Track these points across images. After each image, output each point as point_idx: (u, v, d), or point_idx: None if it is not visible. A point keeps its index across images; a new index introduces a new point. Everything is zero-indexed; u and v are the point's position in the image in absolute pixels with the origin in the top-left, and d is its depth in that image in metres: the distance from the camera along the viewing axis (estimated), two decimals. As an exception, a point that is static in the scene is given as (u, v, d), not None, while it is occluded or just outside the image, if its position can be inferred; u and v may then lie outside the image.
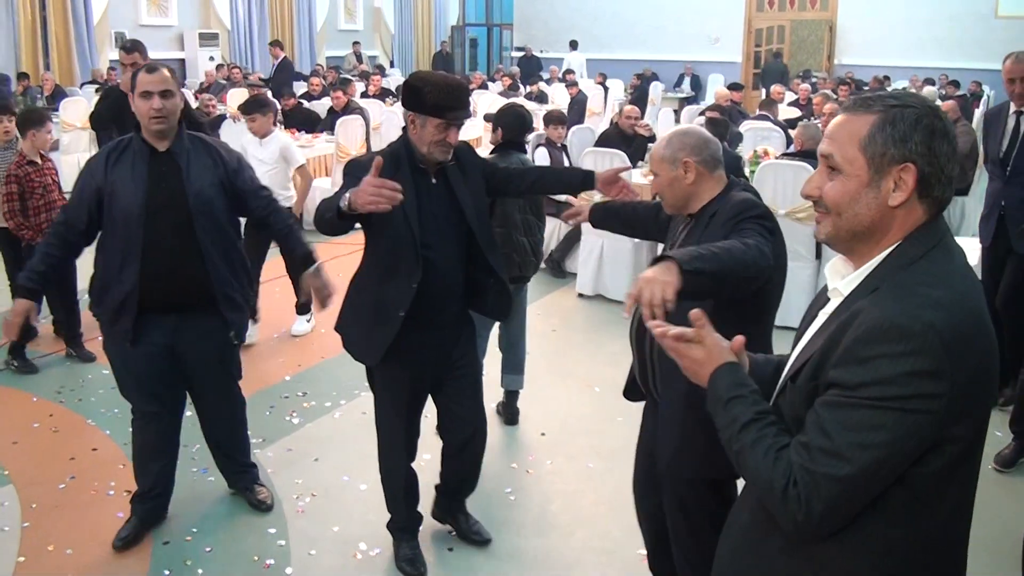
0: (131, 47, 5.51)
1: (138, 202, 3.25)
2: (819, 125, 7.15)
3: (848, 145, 1.56)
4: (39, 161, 5.48)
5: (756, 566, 1.69)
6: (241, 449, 3.98)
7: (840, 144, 1.57)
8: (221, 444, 3.93)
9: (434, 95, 3.00)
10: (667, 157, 2.69)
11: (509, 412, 4.83)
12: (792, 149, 7.10)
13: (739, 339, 1.75)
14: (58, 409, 4.89)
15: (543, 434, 4.70)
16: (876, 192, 1.54)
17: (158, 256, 3.28)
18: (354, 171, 3.06)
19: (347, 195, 2.82)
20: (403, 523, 3.54)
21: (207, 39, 16.66)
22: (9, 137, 5.64)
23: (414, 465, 3.50)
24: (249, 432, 4.50)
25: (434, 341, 3.28)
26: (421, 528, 3.60)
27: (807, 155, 6.38)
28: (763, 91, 15.48)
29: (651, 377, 2.73)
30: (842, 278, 1.62)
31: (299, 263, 3.58)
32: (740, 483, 1.93)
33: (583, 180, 3.39)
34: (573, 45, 20.89)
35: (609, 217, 3.24)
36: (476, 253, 3.25)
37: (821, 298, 1.73)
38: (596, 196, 3.78)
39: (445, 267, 3.16)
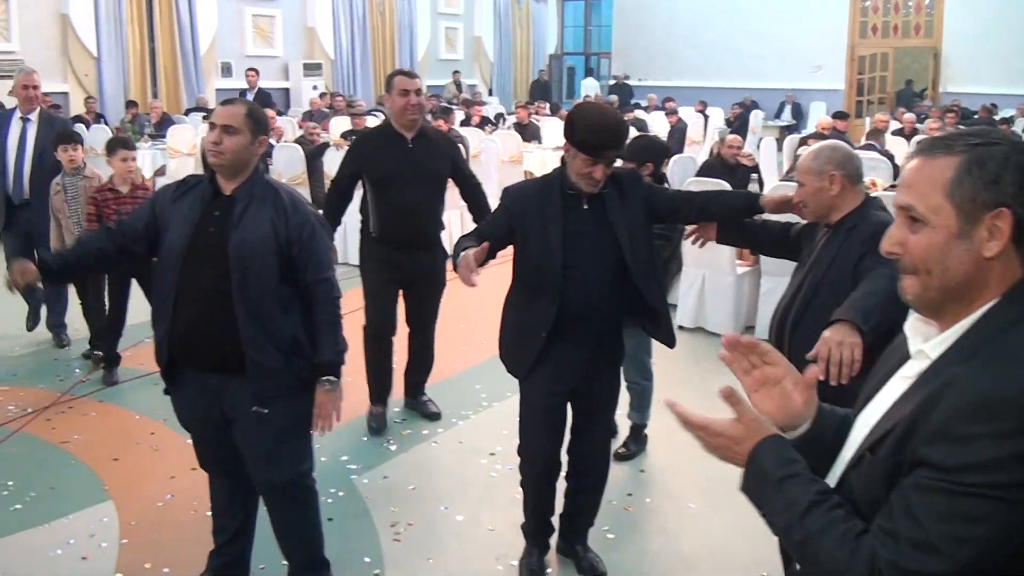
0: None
1: (181, 243, 2.95)
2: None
3: (931, 193, 1.36)
4: (123, 189, 5.52)
5: None
6: (301, 560, 3.36)
7: (921, 192, 1.37)
8: (280, 545, 3.36)
9: (585, 132, 3.08)
10: (815, 169, 2.95)
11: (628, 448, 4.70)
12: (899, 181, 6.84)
13: (812, 372, 1.62)
14: (160, 428, 4.95)
15: (642, 471, 4.57)
16: (968, 243, 1.34)
17: (190, 305, 2.95)
18: (506, 198, 3.35)
19: (461, 255, 3.03)
20: (531, 528, 3.60)
21: (311, 69, 17.05)
22: (75, 164, 5.73)
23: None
24: (347, 457, 4.52)
25: (576, 356, 3.31)
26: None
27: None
28: (866, 120, 15.10)
29: None
30: (925, 339, 1.41)
31: (319, 367, 3.05)
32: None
33: (748, 203, 3.38)
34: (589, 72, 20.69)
35: (737, 232, 3.40)
36: (631, 278, 3.26)
37: (896, 354, 1.52)
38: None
39: (591, 288, 3.20)
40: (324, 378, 3.03)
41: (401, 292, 4.97)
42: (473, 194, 4.98)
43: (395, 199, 4.67)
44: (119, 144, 5.66)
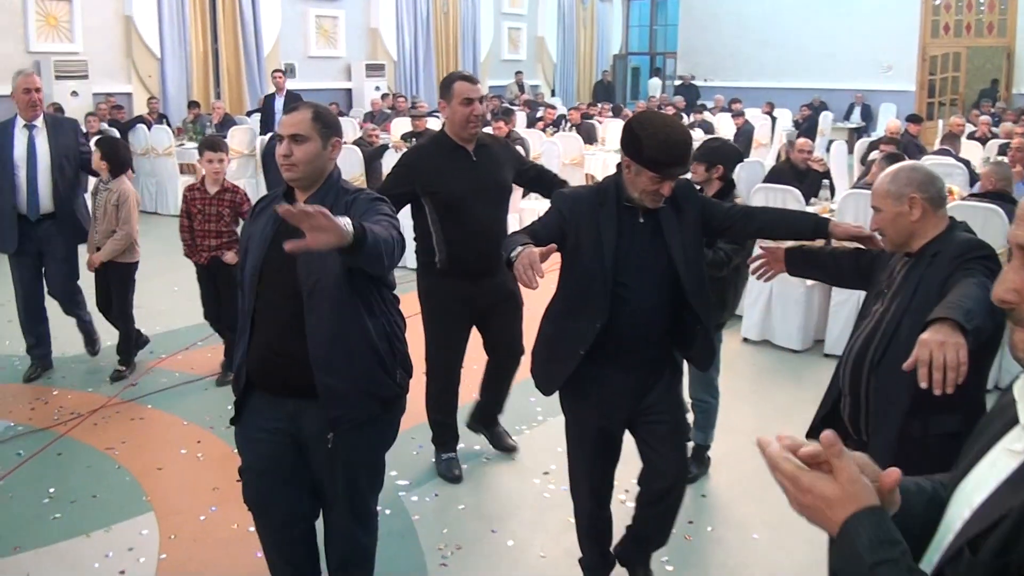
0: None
1: (255, 264, 2.79)
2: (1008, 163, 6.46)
3: None
4: (211, 190, 5.49)
5: None
6: None
7: None
8: (328, 560, 3.15)
9: (653, 149, 2.81)
10: (893, 192, 2.70)
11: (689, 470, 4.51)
12: (978, 189, 6.47)
13: (893, 474, 1.28)
14: (207, 436, 4.85)
15: (703, 496, 4.32)
16: None
17: (266, 327, 2.79)
18: (559, 202, 3.08)
19: (517, 250, 2.71)
20: (587, 562, 3.44)
21: (374, 70, 17.01)
22: (103, 175, 5.59)
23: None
24: (395, 472, 4.35)
25: (625, 383, 3.09)
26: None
27: (998, 196, 5.74)
28: (939, 123, 14.59)
29: (863, 418, 2.75)
30: None
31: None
32: None
33: (815, 229, 3.08)
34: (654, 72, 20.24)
35: (808, 264, 3.16)
36: (683, 297, 3.02)
37: (1000, 417, 1.27)
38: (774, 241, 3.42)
39: (640, 308, 2.98)
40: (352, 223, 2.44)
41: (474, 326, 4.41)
42: (542, 180, 4.46)
43: (466, 222, 4.03)
44: (206, 145, 5.62)
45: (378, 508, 3.99)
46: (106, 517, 3.99)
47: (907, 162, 2.88)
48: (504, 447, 4.70)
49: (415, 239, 4.18)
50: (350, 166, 9.16)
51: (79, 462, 4.56)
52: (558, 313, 3.14)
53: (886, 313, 2.70)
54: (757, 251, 3.32)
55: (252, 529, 3.83)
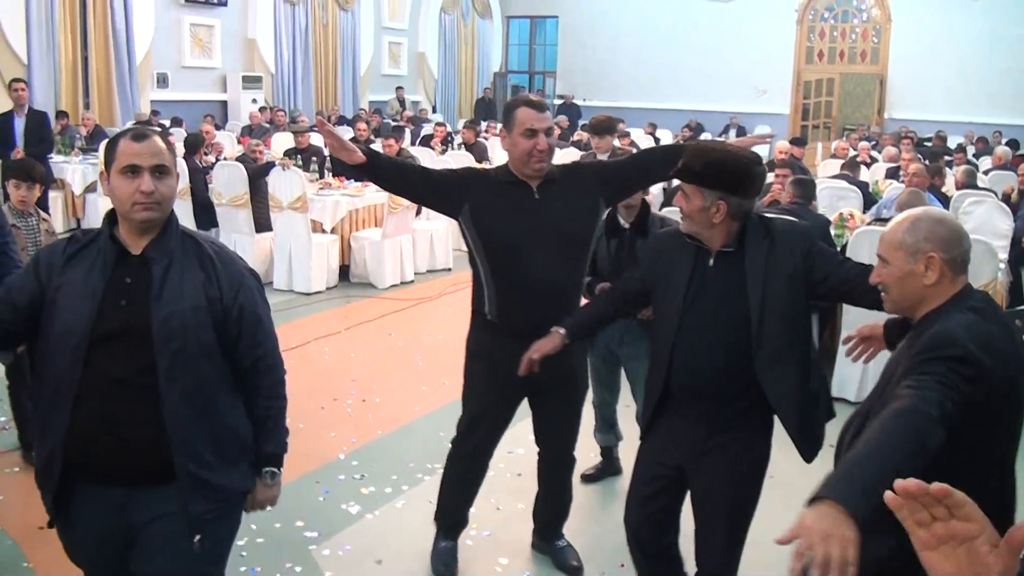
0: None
1: (81, 324, 2.24)
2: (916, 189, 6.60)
3: None
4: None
5: None
6: None
7: None
8: None
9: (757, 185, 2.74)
10: (908, 245, 2.19)
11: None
12: (886, 214, 6.60)
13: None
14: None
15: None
16: None
17: (98, 403, 2.25)
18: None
19: None
20: None
21: (250, 82, 16.43)
22: (26, 207, 4.59)
23: None
24: (302, 523, 4.05)
25: (688, 433, 2.92)
26: None
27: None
28: (818, 146, 15.03)
29: None
30: None
31: (260, 458, 2.51)
32: None
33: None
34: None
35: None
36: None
37: None
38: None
39: (701, 360, 2.80)
40: (266, 470, 2.51)
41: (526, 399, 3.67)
42: (650, 153, 3.83)
43: (521, 272, 3.31)
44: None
45: (287, 564, 3.74)
46: (-20, 587, 3.57)
47: (932, 210, 2.33)
48: (568, 568, 3.85)
49: (473, 278, 3.51)
50: (233, 184, 8.71)
51: (-55, 521, 4.07)
52: None
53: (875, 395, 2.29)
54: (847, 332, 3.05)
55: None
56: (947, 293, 2.18)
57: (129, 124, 13.23)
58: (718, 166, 2.66)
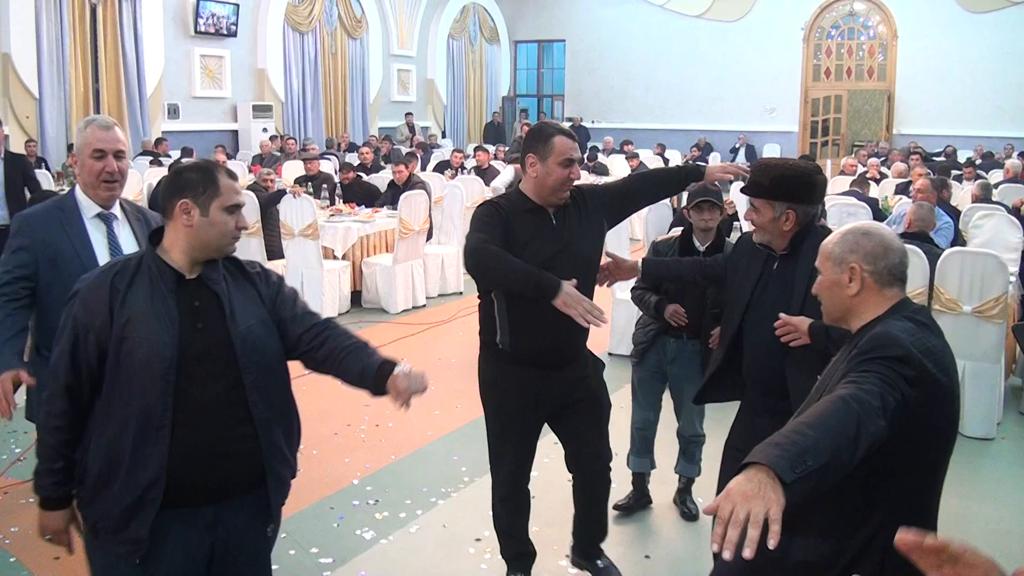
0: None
1: (167, 352, 2.25)
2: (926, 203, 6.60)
3: None
4: None
5: None
6: None
7: None
8: None
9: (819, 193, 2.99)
10: (834, 255, 2.27)
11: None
12: (896, 230, 6.60)
13: None
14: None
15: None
16: None
17: (196, 427, 2.30)
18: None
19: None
20: None
21: (261, 111, 16.58)
22: None
23: None
24: (316, 550, 4.06)
25: (759, 422, 3.12)
26: None
27: (916, 237, 5.92)
28: (827, 163, 15.03)
29: None
30: None
31: (376, 377, 2.52)
32: None
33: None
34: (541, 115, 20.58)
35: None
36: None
37: None
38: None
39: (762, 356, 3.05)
40: (398, 370, 2.48)
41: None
42: (645, 176, 3.84)
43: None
44: None
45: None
46: (-2, 618, 3.58)
47: (863, 223, 2.38)
48: None
49: (481, 306, 3.47)
50: (246, 213, 8.74)
51: (-37, 553, 4.08)
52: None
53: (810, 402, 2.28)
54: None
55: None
56: (880, 305, 2.21)
57: (138, 153, 13.39)
58: (783, 179, 2.92)
